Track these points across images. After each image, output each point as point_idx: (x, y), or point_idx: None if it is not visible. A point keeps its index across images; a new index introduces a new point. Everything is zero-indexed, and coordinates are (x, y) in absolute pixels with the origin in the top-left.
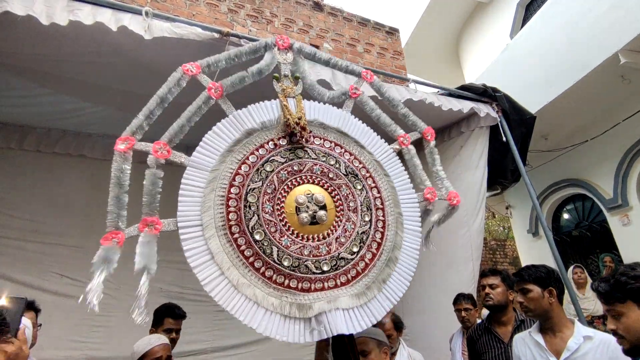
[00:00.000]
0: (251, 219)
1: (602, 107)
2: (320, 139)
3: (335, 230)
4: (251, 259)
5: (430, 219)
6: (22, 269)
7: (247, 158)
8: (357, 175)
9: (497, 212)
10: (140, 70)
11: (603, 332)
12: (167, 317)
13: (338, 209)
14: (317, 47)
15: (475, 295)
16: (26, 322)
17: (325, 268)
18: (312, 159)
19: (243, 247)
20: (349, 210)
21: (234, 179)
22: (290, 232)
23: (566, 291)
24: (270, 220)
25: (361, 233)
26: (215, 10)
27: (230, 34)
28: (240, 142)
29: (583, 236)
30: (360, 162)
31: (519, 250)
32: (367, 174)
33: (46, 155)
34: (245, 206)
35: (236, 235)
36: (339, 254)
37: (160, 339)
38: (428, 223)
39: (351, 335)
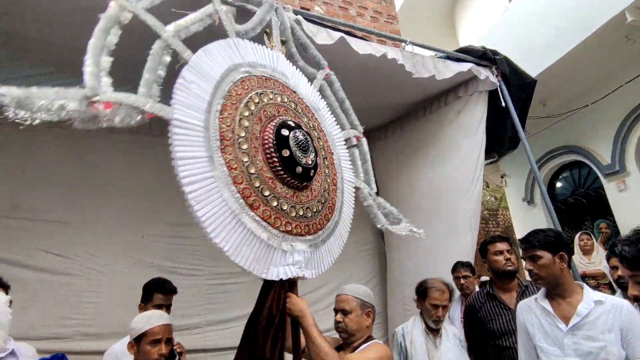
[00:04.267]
0: None
1: (604, 70)
2: None
3: None
4: None
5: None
6: (4, 247)
7: None
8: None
9: (491, 182)
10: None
11: (614, 297)
12: (157, 292)
13: None
14: (307, 9)
15: (473, 264)
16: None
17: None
18: None
19: None
20: None
21: None
22: None
23: None
24: None
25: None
26: None
27: None
28: None
29: (578, 203)
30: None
31: (513, 219)
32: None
33: (23, 129)
34: None
35: None
36: None
37: (162, 317)
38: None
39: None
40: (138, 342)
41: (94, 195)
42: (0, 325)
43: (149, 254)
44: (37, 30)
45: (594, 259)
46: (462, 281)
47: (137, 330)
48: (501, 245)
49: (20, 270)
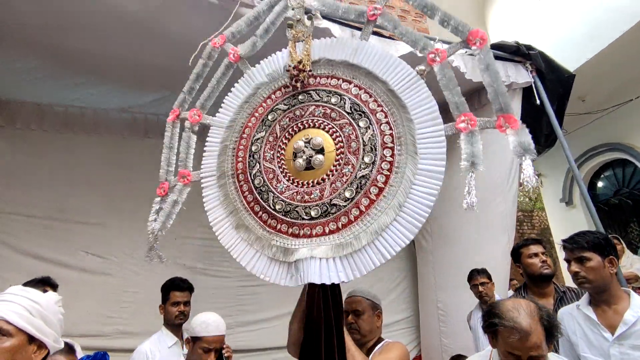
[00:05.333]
0: (254, 167)
1: None
2: (328, 77)
3: (332, 175)
4: (252, 204)
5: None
6: (49, 247)
7: (256, 110)
8: (363, 111)
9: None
10: (151, 39)
11: None
12: (173, 290)
13: (338, 152)
14: None
15: (509, 267)
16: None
17: (313, 214)
18: (315, 101)
19: (246, 193)
20: (350, 152)
21: (243, 132)
22: (287, 179)
23: None
24: (269, 168)
25: (360, 177)
26: None
27: None
28: (251, 97)
29: (622, 204)
30: (370, 95)
31: (550, 221)
32: (378, 108)
33: (66, 135)
34: (249, 155)
35: (242, 183)
36: (330, 200)
37: (218, 328)
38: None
39: (333, 289)
40: (193, 341)
41: (129, 197)
42: (51, 324)
43: (182, 256)
44: (76, 40)
45: (624, 262)
46: (480, 288)
47: (196, 332)
48: (535, 248)
49: (64, 270)
